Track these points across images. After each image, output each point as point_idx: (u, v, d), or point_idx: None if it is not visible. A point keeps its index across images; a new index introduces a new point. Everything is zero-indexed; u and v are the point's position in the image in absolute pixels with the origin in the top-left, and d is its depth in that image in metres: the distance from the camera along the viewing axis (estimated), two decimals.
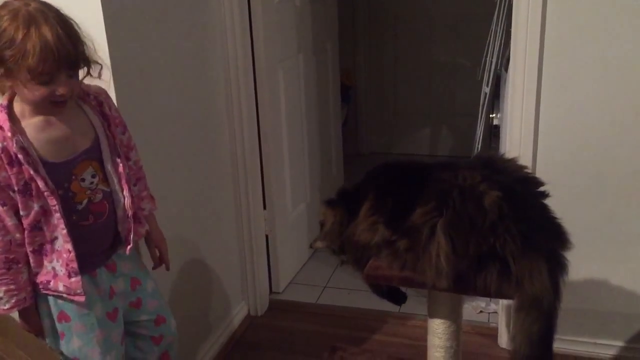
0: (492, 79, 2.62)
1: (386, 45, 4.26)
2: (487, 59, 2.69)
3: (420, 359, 1.63)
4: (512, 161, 1.55)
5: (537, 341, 1.33)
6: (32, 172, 1.32)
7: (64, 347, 1.47)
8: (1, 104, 1.32)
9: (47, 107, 1.33)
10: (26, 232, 1.37)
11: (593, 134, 1.95)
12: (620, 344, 2.13)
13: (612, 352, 2.14)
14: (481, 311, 2.48)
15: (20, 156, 1.30)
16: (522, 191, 1.41)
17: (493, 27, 2.65)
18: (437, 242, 1.34)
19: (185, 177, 2.05)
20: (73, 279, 1.40)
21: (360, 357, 1.46)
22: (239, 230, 2.46)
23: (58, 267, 1.41)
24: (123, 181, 1.47)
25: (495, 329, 2.31)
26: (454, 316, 1.46)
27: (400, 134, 4.42)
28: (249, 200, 2.44)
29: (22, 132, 1.32)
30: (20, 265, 1.39)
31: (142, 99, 1.78)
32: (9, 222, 1.35)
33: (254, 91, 2.40)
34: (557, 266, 1.36)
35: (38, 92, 1.28)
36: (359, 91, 4.37)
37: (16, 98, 1.34)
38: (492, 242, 1.31)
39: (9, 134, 1.30)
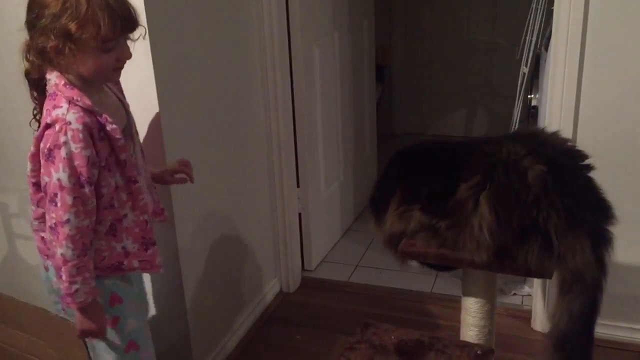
0: (532, 58, 2.57)
1: (422, 23, 4.20)
2: (527, 37, 2.63)
3: (453, 339, 1.63)
4: (555, 134, 1.53)
5: (577, 318, 1.30)
6: (114, 145, 1.31)
7: (119, 334, 1.42)
8: (64, 83, 1.28)
9: (108, 75, 1.31)
10: (99, 212, 1.32)
11: (636, 114, 1.89)
12: None
13: None
14: (514, 294, 2.46)
15: (100, 132, 1.29)
16: (566, 164, 1.40)
17: (534, 4, 2.59)
18: (480, 214, 1.33)
19: (221, 154, 2.07)
20: (150, 251, 1.40)
21: (393, 334, 1.46)
22: (273, 208, 2.48)
23: (129, 245, 1.39)
24: (143, 154, 1.50)
25: (529, 312, 2.29)
26: (488, 295, 1.45)
27: (434, 114, 4.36)
28: (283, 178, 2.46)
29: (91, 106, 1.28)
30: (91, 251, 1.34)
31: (178, 74, 1.79)
32: (94, 203, 1.30)
33: (289, 69, 2.40)
34: (602, 241, 1.34)
35: (105, 59, 1.26)
36: (394, 70, 4.33)
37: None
38: (536, 215, 1.30)
39: (85, 112, 1.26)
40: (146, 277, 1.90)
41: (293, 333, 2.32)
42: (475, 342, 1.48)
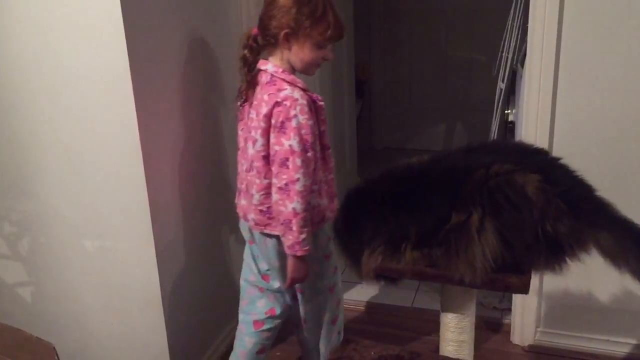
0: (508, 74, 2.61)
1: (401, 38, 4.25)
2: (503, 54, 2.67)
3: (432, 354, 1.63)
4: (513, 141, 1.56)
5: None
6: (319, 118, 1.62)
7: (326, 280, 1.79)
8: (282, 71, 1.60)
9: (311, 67, 1.65)
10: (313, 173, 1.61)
11: (611, 132, 1.93)
12: (634, 341, 2.12)
13: (625, 349, 2.14)
14: (495, 307, 2.48)
15: (312, 107, 1.59)
16: (548, 163, 1.43)
17: (509, 22, 2.63)
18: (485, 241, 1.33)
19: (201, 168, 2.06)
20: (335, 201, 1.71)
21: (373, 350, 1.46)
22: None
23: (322, 201, 1.67)
24: None
25: (509, 325, 2.31)
26: (466, 310, 1.46)
27: (414, 129, 4.41)
28: None
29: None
30: (309, 208, 1.61)
31: (157, 90, 1.79)
32: (313, 165, 1.59)
33: None
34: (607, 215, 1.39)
35: (315, 54, 1.61)
36: (374, 85, 4.36)
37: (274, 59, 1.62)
38: (543, 226, 1.32)
39: (304, 91, 1.58)
40: (124, 292, 1.89)
41: (274, 350, 2.31)
42: (454, 356, 1.49)
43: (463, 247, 1.35)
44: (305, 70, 1.64)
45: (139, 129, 1.69)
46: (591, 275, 2.07)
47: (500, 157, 1.42)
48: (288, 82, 1.58)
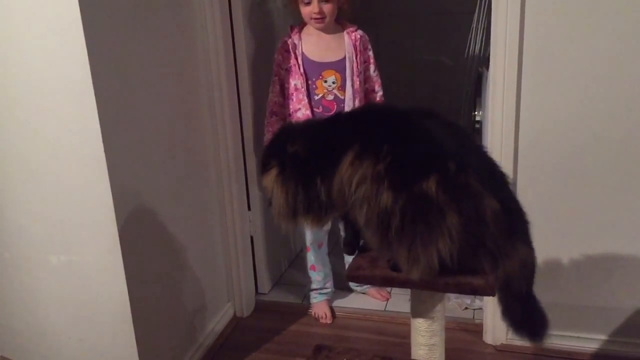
0: (474, 76, 2.64)
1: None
2: (469, 56, 2.71)
3: (406, 357, 1.64)
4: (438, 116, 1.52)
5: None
6: (296, 59, 2.27)
7: None
8: (297, 26, 2.34)
9: (311, 22, 2.25)
10: (286, 99, 2.31)
11: (572, 129, 1.96)
12: (602, 337, 2.16)
13: (594, 345, 2.17)
14: (466, 308, 2.50)
15: (292, 48, 2.28)
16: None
17: (474, 25, 2.67)
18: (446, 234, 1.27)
19: (168, 180, 2.04)
20: None
21: (345, 356, 1.46)
22: (224, 232, 2.46)
23: None
24: (357, 95, 2.30)
25: (481, 325, 2.33)
26: (435, 313, 1.46)
27: None
28: (233, 201, 2.44)
29: (300, 38, 2.30)
30: (277, 118, 2.35)
31: (121, 100, 1.77)
32: (277, 88, 2.33)
33: (236, 93, 2.40)
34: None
35: (304, 10, 2.23)
36: None
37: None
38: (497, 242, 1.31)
39: (291, 37, 2.30)
40: (92, 307, 1.85)
41: (248, 359, 2.30)
42: None
43: (431, 223, 1.29)
44: (310, 24, 2.26)
45: (103, 140, 1.66)
46: (559, 273, 2.11)
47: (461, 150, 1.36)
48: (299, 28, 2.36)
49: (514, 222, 1.34)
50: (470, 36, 2.68)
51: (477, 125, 2.66)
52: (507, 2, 1.90)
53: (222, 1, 2.24)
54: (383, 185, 1.28)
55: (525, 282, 1.38)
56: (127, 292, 1.80)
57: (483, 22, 2.55)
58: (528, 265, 1.37)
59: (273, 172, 1.43)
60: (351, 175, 1.32)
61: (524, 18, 1.90)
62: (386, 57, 4.23)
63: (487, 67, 2.29)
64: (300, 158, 1.41)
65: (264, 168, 1.48)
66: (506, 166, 2.04)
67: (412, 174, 1.28)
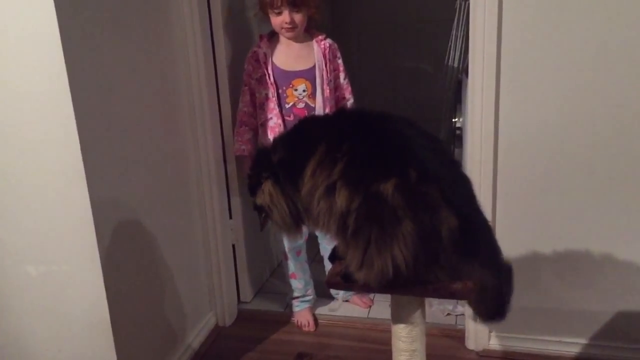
0: (454, 83, 2.66)
1: (350, 49, 4.28)
2: (449, 64, 2.73)
3: None
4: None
5: None
6: (266, 69, 2.27)
7: None
8: (267, 35, 2.34)
9: (281, 31, 2.26)
10: (257, 108, 2.33)
11: (550, 133, 1.98)
12: (583, 341, 2.17)
13: (576, 349, 2.19)
14: (449, 314, 2.50)
15: (262, 58, 2.28)
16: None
17: (453, 32, 2.69)
18: (401, 241, 1.26)
19: (148, 189, 2.02)
20: None
21: None
22: (206, 240, 2.45)
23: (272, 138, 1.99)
24: (327, 103, 2.31)
25: (463, 331, 2.33)
26: (415, 319, 1.46)
27: None
28: (214, 210, 2.43)
29: (269, 47, 2.31)
30: (246, 128, 2.37)
31: (100, 109, 1.75)
32: (247, 98, 2.34)
33: (217, 101, 2.40)
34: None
35: (274, 19, 2.24)
36: None
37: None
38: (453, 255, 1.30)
39: (260, 47, 2.30)
40: (71, 317, 1.83)
41: None
42: None
43: (388, 227, 1.28)
44: (281, 33, 2.28)
45: (81, 150, 1.64)
46: (541, 278, 2.12)
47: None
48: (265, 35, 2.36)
49: (475, 244, 1.32)
50: (450, 44, 2.70)
51: (457, 132, 2.68)
52: (485, 9, 1.92)
53: (201, 9, 2.24)
54: (339, 189, 1.30)
55: (485, 305, 1.40)
56: (106, 303, 1.78)
57: (463, 29, 2.57)
58: (488, 291, 1.35)
59: (268, 184, 1.43)
60: (311, 188, 1.35)
61: (501, 25, 1.92)
62: (367, 64, 4.26)
63: (467, 74, 2.31)
64: (287, 161, 1.42)
65: (255, 187, 1.46)
66: (486, 171, 2.06)
67: (370, 174, 1.28)
